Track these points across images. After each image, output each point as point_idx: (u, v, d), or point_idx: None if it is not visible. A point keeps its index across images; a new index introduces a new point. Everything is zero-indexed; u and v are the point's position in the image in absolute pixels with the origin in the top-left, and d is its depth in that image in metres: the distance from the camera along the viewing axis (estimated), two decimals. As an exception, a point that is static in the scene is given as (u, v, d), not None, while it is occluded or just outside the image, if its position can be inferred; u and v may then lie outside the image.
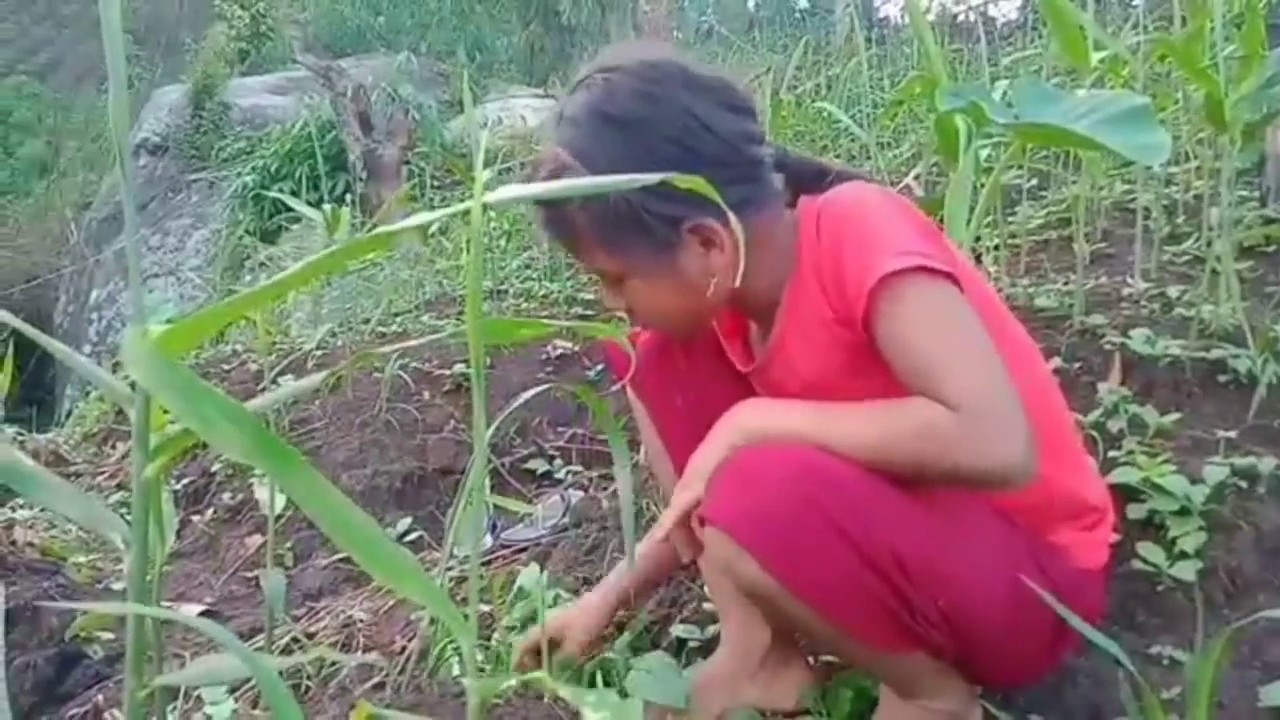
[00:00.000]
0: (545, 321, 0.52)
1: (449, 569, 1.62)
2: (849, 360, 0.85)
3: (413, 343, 0.59)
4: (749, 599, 0.87)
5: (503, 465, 1.97)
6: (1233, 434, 1.20)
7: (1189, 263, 1.95)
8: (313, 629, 1.35)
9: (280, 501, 0.97)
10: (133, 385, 0.53)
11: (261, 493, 0.98)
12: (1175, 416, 1.22)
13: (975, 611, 0.83)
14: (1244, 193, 2.16)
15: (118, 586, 1.61)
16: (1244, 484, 1.11)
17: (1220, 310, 1.43)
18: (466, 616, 0.56)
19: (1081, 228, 1.72)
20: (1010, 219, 2.27)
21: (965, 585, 0.82)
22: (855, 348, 0.83)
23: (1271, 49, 1.73)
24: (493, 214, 3.03)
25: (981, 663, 0.88)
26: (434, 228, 3.50)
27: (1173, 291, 1.61)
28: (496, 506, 1.93)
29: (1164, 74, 2.86)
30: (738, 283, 0.79)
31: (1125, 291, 1.71)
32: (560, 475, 1.95)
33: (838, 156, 3.64)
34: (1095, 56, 1.65)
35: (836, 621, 0.81)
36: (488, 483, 1.88)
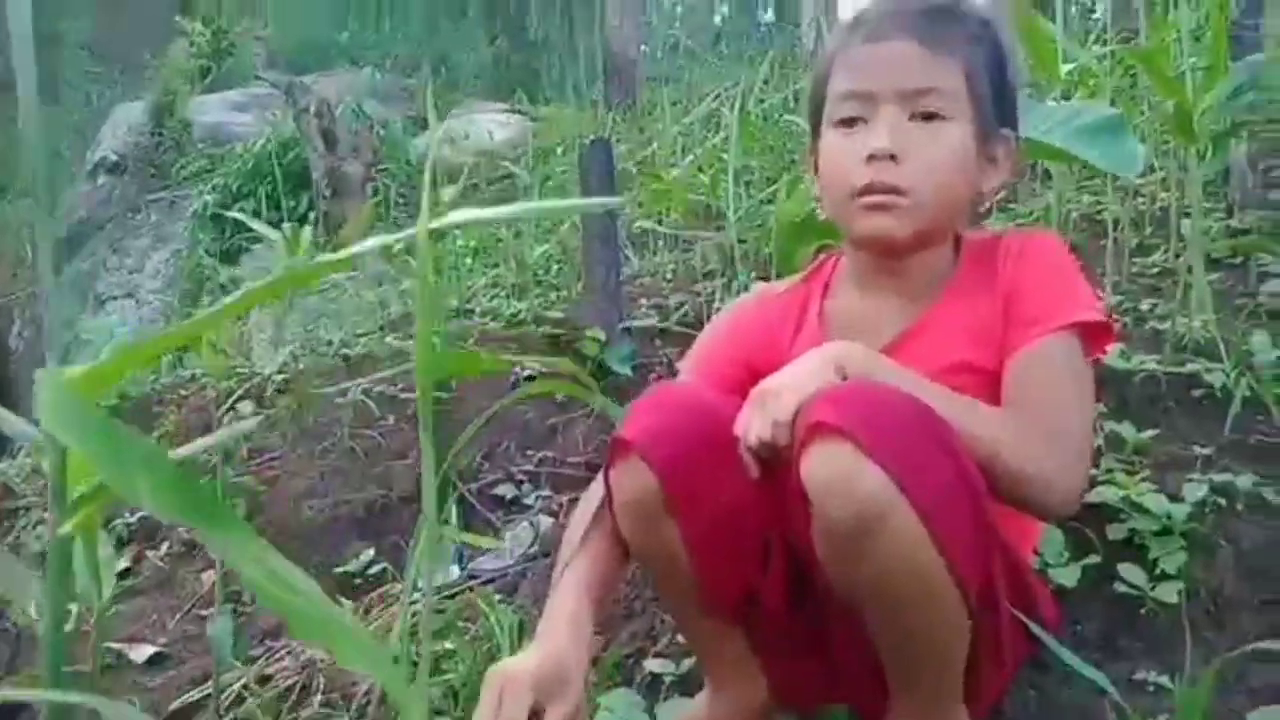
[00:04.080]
0: (508, 358, 0.47)
1: (412, 602, 1.58)
2: (971, 359, 0.92)
3: (364, 380, 0.55)
4: (840, 544, 0.77)
5: (469, 491, 1.91)
6: (1209, 450, 1.18)
7: (1158, 275, 1.95)
8: (270, 670, 1.29)
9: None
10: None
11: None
12: (1152, 433, 1.21)
13: (998, 581, 0.82)
14: (1209, 204, 2.16)
15: (68, 628, 1.54)
16: (1223, 501, 1.09)
17: (1193, 323, 1.42)
18: (417, 663, 0.52)
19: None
20: (978, 217, 2.26)
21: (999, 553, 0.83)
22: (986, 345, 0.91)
23: (1234, 61, 1.74)
24: (457, 230, 2.99)
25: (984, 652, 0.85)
26: (398, 246, 3.44)
27: (1144, 305, 1.60)
28: (464, 532, 1.88)
29: (1127, 85, 2.89)
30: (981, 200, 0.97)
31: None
32: (530, 501, 1.90)
33: (805, 171, 3.63)
34: (1063, 68, 1.65)
35: (945, 545, 0.75)
36: (454, 511, 1.83)
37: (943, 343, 0.93)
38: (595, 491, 0.95)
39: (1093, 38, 2.71)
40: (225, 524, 0.44)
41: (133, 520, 2.07)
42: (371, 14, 12.44)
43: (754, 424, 0.83)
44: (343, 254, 0.36)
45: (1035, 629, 0.83)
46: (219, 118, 9.57)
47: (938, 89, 0.91)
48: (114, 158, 9.43)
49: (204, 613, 1.65)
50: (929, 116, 0.91)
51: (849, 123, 0.94)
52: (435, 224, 0.38)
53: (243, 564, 0.44)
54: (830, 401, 0.78)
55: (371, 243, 0.41)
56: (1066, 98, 1.97)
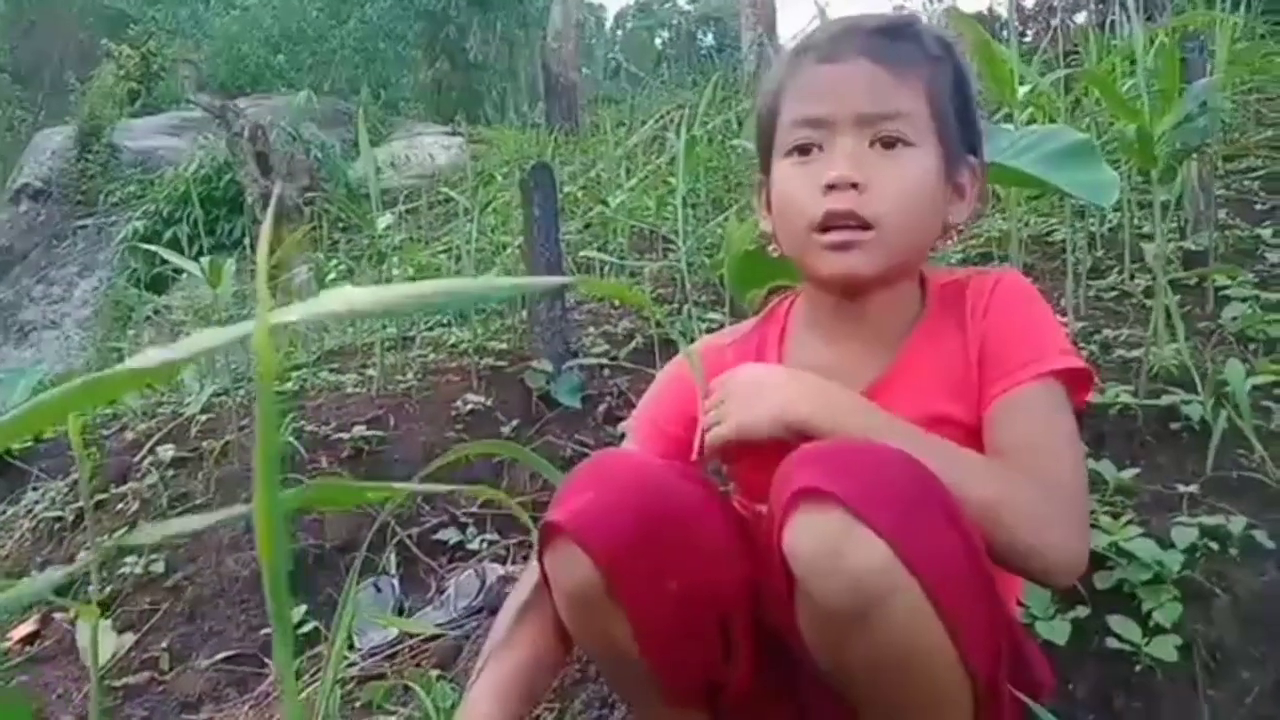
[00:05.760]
0: (391, 485, 0.38)
1: (350, 664, 1.45)
2: (948, 411, 0.85)
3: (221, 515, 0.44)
4: (833, 627, 0.69)
5: (409, 537, 1.79)
6: (1194, 488, 1.13)
7: (1116, 298, 1.92)
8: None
9: (109, 647, 0.80)
10: None
11: (83, 638, 0.79)
12: (1134, 471, 1.15)
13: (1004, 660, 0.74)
14: (1162, 225, 2.15)
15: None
16: (1214, 545, 1.03)
17: (1163, 352, 1.37)
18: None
19: (1018, 265, 1.66)
20: (930, 254, 2.23)
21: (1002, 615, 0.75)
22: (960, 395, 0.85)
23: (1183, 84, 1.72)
24: (395, 260, 2.87)
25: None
26: (332, 274, 3.30)
27: (1108, 331, 1.56)
28: (402, 582, 1.76)
29: (1071, 107, 2.89)
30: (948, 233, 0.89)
31: (1060, 332, 1.65)
32: (475, 546, 1.79)
33: (755, 205, 3.59)
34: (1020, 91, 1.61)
35: (953, 625, 0.67)
36: (392, 560, 1.71)
37: (916, 393, 0.85)
38: (534, 567, 0.85)
39: (1038, 59, 2.70)
40: None
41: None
42: (308, 37, 12.22)
43: (728, 421, 0.81)
44: (171, 356, 0.26)
45: (1031, 704, 0.75)
46: (149, 142, 9.29)
47: (900, 112, 0.83)
48: (38, 184, 9.10)
49: (117, 683, 1.50)
50: (891, 143, 0.83)
51: (803, 151, 0.86)
52: (279, 318, 0.28)
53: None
54: (816, 462, 0.69)
55: (202, 342, 0.31)
56: (1009, 119, 1.94)
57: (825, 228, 0.83)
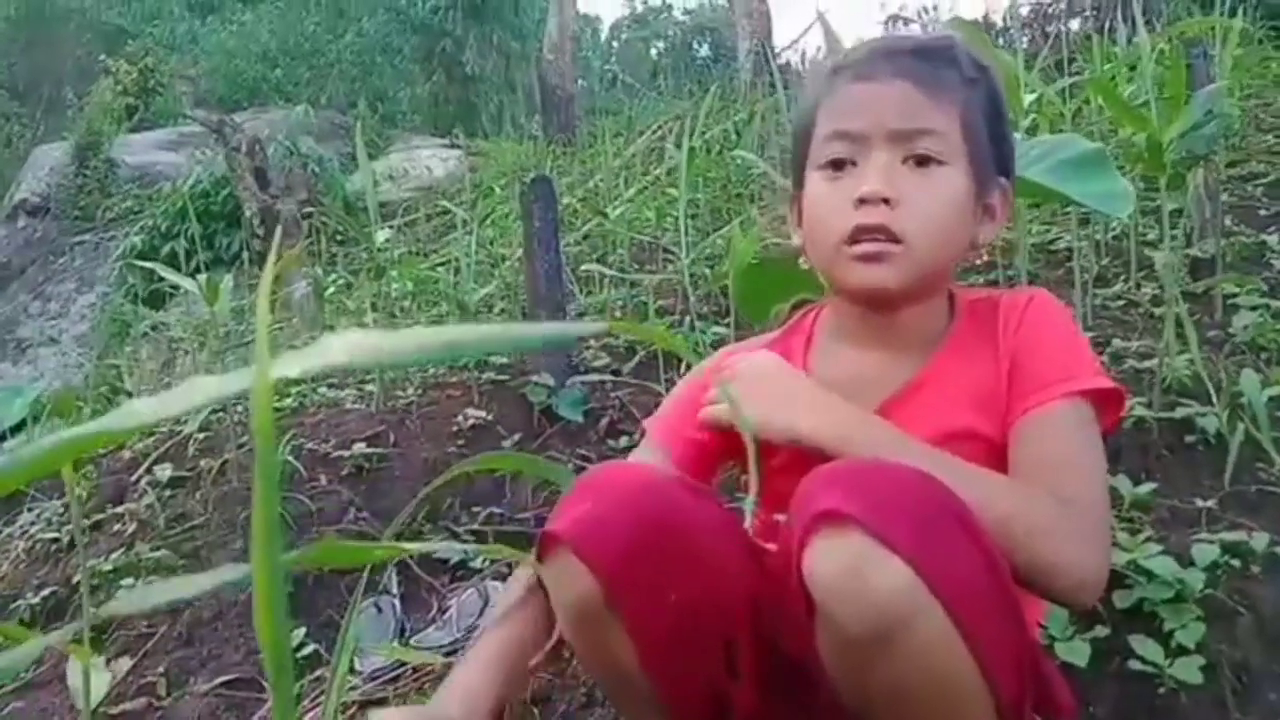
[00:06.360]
0: (395, 545, 0.36)
1: (352, 688, 1.43)
2: (975, 426, 0.84)
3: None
4: (855, 652, 0.67)
5: (411, 555, 1.76)
6: (1212, 503, 1.10)
7: (1123, 307, 1.90)
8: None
9: (102, 683, 0.77)
10: None
11: (74, 677, 0.77)
12: (1150, 486, 1.12)
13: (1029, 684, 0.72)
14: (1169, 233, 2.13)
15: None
16: (1236, 562, 1.00)
17: (1175, 362, 1.35)
18: None
19: (1023, 274, 1.64)
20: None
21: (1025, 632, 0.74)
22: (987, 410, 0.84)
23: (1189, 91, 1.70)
24: (394, 274, 2.85)
25: None
26: (331, 288, 3.28)
27: (1121, 343, 1.53)
28: (403, 601, 1.73)
29: (1072, 115, 2.87)
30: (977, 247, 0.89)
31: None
32: (477, 564, 1.76)
33: (752, 202, 3.58)
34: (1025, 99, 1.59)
35: (979, 647, 0.65)
36: (393, 579, 1.68)
37: (942, 404, 0.85)
38: (523, 573, 0.84)
39: (1038, 67, 2.68)
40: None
41: (35, 601, 1.87)
42: (304, 51, 12.24)
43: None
44: (166, 410, 0.24)
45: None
46: (147, 157, 9.29)
47: (933, 131, 0.84)
48: (35, 200, 9.10)
49: (114, 710, 1.47)
50: (923, 161, 0.84)
51: (836, 165, 0.87)
52: (280, 371, 0.26)
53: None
54: (835, 484, 0.68)
55: (199, 392, 0.29)
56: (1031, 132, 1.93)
57: (855, 240, 0.83)
